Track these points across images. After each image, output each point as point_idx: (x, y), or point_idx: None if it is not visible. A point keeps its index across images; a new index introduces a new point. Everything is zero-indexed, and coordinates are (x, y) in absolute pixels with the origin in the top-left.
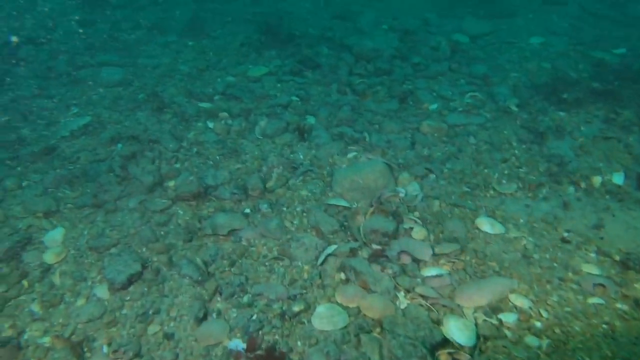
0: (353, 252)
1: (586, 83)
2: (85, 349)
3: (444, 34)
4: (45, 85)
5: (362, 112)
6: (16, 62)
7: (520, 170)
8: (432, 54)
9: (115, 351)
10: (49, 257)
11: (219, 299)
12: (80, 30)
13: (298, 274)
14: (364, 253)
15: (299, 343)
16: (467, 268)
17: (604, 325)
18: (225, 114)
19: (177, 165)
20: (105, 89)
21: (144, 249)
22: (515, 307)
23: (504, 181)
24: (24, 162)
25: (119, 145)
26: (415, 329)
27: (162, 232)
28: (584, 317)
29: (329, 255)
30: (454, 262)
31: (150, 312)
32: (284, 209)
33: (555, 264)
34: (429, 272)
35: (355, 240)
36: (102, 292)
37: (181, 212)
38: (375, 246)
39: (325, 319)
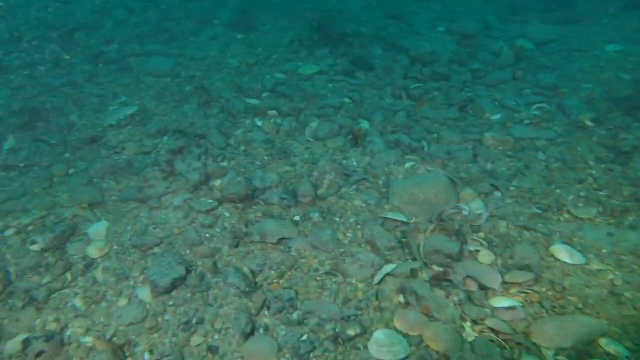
0: (413, 273)
1: None
2: (127, 354)
3: (506, 39)
4: (95, 72)
5: (419, 119)
6: (70, 47)
7: (600, 193)
8: (492, 60)
9: None
10: (92, 251)
11: (266, 313)
12: (131, 19)
13: (352, 293)
14: (425, 275)
15: None
16: (543, 301)
17: None
18: (274, 112)
19: (224, 164)
20: (153, 79)
21: (187, 251)
22: (608, 354)
23: (580, 204)
24: (71, 148)
25: (165, 138)
26: None
27: (207, 235)
28: None
29: (387, 274)
30: (527, 293)
31: (194, 321)
32: (336, 219)
33: None
34: (499, 302)
35: (414, 259)
36: (144, 294)
37: (227, 215)
38: (436, 267)
39: (384, 347)
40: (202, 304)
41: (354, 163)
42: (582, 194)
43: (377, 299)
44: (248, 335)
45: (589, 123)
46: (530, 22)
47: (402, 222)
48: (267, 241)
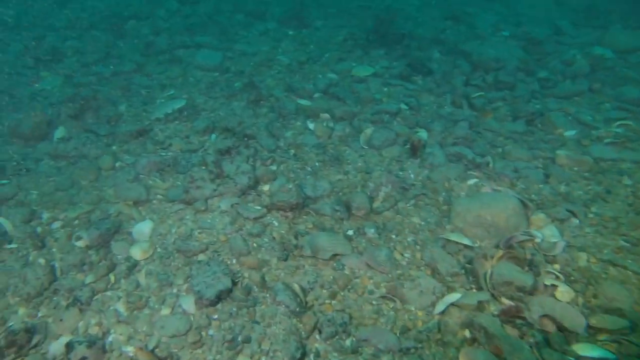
0: (480, 306)
1: None
2: None
3: (580, 46)
4: (144, 62)
5: (482, 131)
6: (122, 36)
7: None
8: (563, 70)
9: None
10: (136, 252)
11: (318, 337)
12: (182, 10)
13: (411, 322)
14: (494, 308)
15: None
16: None
17: None
18: (326, 116)
19: (273, 168)
20: (202, 73)
21: (234, 261)
22: None
23: None
24: (118, 140)
25: (213, 136)
26: None
27: (254, 244)
28: None
29: (451, 304)
30: (620, 343)
31: (240, 339)
32: (393, 236)
33: None
34: (585, 350)
35: (480, 288)
36: (188, 304)
37: (276, 224)
38: (506, 301)
39: None
40: (248, 320)
41: (412, 176)
42: None
43: (439, 331)
44: None
45: None
46: (611, 27)
47: (466, 245)
48: (318, 257)
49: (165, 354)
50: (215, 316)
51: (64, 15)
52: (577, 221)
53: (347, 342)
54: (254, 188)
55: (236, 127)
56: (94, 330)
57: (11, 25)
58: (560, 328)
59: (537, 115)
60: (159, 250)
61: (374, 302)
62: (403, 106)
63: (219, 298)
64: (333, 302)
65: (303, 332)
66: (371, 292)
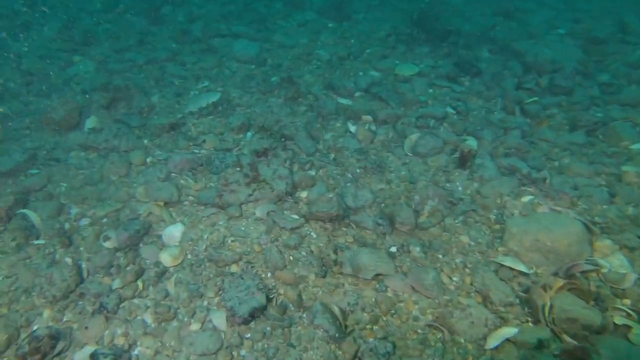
0: (540, 344)
1: None
2: None
3: None
4: (179, 50)
5: (536, 141)
6: (156, 22)
7: None
8: (629, 73)
9: None
10: (166, 258)
11: None
12: None
13: (461, 356)
14: (554, 346)
15: None
16: None
17: None
18: (368, 118)
19: (312, 173)
20: (237, 64)
21: (269, 275)
22: None
23: None
24: (150, 133)
25: (248, 134)
26: None
27: (291, 258)
28: None
29: (506, 340)
30: None
31: None
32: (440, 256)
33: None
34: None
35: (537, 321)
36: (220, 320)
37: (314, 236)
38: (569, 339)
39: None
40: (283, 342)
41: (460, 188)
42: None
43: None
44: None
45: None
46: None
47: (521, 272)
48: (360, 276)
49: None
50: (248, 335)
51: None
52: None
53: None
54: (292, 194)
55: (273, 126)
56: (120, 341)
57: (45, 7)
58: None
59: (599, 125)
60: (189, 257)
61: (419, 331)
62: (450, 110)
63: (252, 316)
64: (375, 327)
65: None
66: (416, 319)
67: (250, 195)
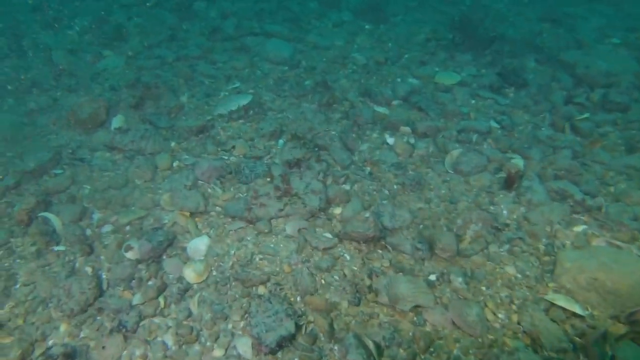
0: None
1: None
2: None
3: None
4: (210, 48)
5: (589, 163)
6: (188, 18)
7: None
8: None
9: None
10: (190, 274)
11: None
12: None
13: None
14: None
15: None
16: None
17: None
18: (407, 129)
19: (347, 187)
20: (270, 65)
21: (298, 299)
22: None
23: None
24: (177, 136)
25: (280, 142)
26: None
27: (322, 281)
28: None
29: None
30: None
31: None
32: (483, 288)
33: None
34: None
35: None
36: (245, 347)
37: (348, 258)
38: None
39: None
40: None
41: (505, 212)
42: None
43: None
44: None
45: None
46: None
47: (576, 314)
48: (397, 307)
49: None
50: None
51: None
52: None
53: None
54: (325, 210)
55: (306, 133)
56: None
57: None
58: None
59: None
60: (214, 274)
61: None
62: (494, 124)
63: (280, 345)
64: None
65: None
66: (458, 359)
67: (281, 210)
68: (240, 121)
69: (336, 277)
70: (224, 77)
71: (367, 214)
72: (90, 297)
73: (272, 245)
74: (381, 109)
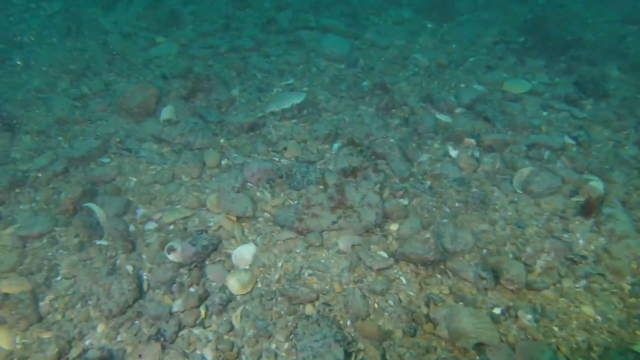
0: None
1: None
2: None
3: None
4: (263, 40)
5: None
6: (243, 7)
7: None
8: None
9: None
10: (234, 284)
11: None
12: None
13: None
14: None
15: None
16: None
17: None
18: (472, 141)
19: (404, 202)
20: (326, 62)
21: (348, 323)
22: None
23: None
24: (227, 131)
25: (335, 146)
26: None
27: (376, 305)
28: None
29: None
30: None
31: None
32: (555, 328)
33: None
34: None
35: None
36: None
37: (404, 281)
38: None
39: None
40: None
41: (581, 242)
42: None
43: None
44: None
45: None
46: None
47: None
48: (457, 343)
49: None
50: None
51: None
52: None
53: None
54: (380, 226)
55: (363, 139)
56: None
57: None
58: None
59: None
60: (259, 286)
61: None
62: (569, 140)
63: None
64: None
65: None
66: None
67: (334, 222)
68: (293, 120)
69: (391, 302)
70: (277, 71)
71: (428, 234)
72: (130, 299)
73: (322, 261)
74: (443, 117)
